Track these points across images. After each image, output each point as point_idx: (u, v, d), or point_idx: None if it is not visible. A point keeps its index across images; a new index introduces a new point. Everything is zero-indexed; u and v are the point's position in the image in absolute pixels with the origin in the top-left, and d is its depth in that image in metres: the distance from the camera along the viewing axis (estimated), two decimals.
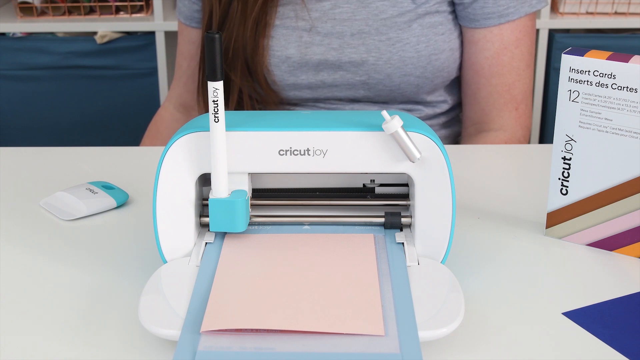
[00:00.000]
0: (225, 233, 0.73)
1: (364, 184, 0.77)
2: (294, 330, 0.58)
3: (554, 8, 1.96)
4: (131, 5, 1.98)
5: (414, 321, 0.60)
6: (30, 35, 1.97)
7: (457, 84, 1.20)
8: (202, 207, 0.74)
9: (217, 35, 0.64)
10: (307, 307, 0.61)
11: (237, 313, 0.60)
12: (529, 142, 1.99)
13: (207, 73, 0.65)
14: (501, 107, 1.15)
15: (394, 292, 0.63)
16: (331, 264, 0.68)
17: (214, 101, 0.66)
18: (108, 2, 1.98)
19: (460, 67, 1.17)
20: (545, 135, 2.02)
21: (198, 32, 1.21)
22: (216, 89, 0.65)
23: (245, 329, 0.59)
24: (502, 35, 1.12)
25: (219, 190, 0.69)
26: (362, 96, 1.14)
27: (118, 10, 2.00)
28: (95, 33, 1.94)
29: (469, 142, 1.18)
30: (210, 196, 0.69)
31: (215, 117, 0.66)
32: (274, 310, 0.61)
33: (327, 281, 0.64)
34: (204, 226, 0.74)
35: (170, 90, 1.29)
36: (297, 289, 0.64)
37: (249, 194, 0.71)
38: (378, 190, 0.77)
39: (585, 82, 0.73)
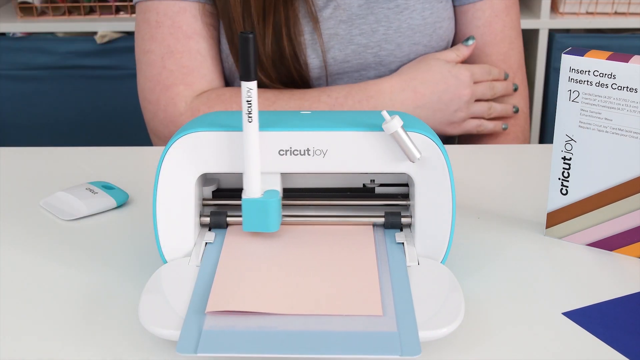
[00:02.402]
0: (225, 233, 0.73)
1: (364, 184, 0.77)
2: (296, 314, 0.61)
3: (554, 8, 1.96)
4: (131, 5, 1.98)
5: (412, 305, 0.62)
6: (30, 35, 1.97)
7: None
8: (202, 207, 0.74)
9: (251, 35, 0.64)
10: (309, 292, 0.63)
11: (241, 296, 0.62)
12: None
13: (240, 73, 0.65)
14: None
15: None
16: (331, 252, 0.69)
17: (247, 101, 0.66)
18: (108, 2, 1.98)
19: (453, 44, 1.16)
20: (545, 135, 2.02)
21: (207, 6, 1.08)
22: (250, 89, 0.65)
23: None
24: (492, 3, 1.13)
25: (252, 190, 0.69)
26: (372, 75, 1.12)
27: (118, 10, 2.00)
28: (95, 33, 1.94)
29: None
30: (243, 196, 0.69)
31: (249, 117, 0.66)
32: (277, 296, 0.63)
33: (328, 268, 0.66)
34: (204, 226, 0.74)
35: (187, 84, 1.08)
36: (298, 276, 0.66)
37: (281, 194, 0.71)
38: (378, 190, 0.77)
39: (585, 82, 0.73)
